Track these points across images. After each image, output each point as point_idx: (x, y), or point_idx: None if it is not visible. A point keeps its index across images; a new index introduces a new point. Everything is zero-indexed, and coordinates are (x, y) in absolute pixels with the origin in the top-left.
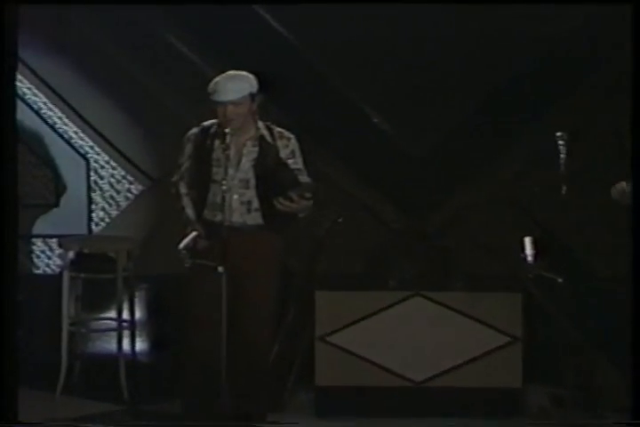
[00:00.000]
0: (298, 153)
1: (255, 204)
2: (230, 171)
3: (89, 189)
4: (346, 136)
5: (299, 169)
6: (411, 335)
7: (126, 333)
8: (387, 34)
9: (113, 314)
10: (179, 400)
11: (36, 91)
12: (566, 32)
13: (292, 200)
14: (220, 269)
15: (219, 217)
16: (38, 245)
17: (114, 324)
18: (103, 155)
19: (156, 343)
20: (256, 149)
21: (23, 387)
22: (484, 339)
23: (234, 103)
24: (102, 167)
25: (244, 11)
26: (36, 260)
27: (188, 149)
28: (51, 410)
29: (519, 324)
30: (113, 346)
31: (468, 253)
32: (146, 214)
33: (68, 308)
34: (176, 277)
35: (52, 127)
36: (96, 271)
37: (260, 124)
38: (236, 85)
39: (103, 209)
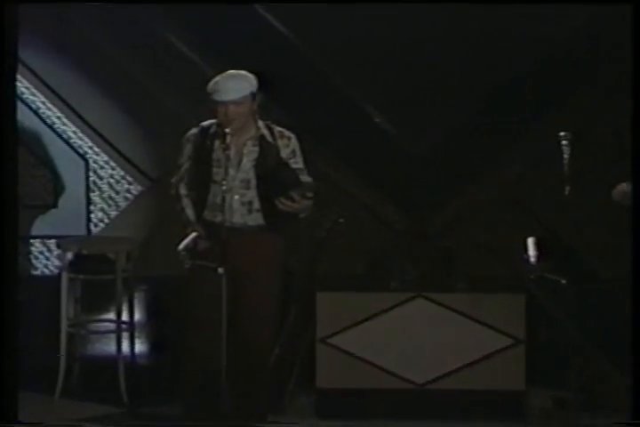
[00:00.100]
0: (298, 152)
1: (256, 204)
2: (231, 171)
3: (88, 189)
4: (347, 136)
5: (300, 168)
6: (412, 337)
7: (125, 334)
8: (388, 33)
9: (112, 316)
10: (178, 403)
11: (34, 90)
12: (567, 32)
13: (293, 200)
14: (220, 270)
15: (219, 218)
16: (37, 246)
17: (113, 325)
18: (102, 155)
19: (155, 345)
20: (256, 148)
21: (21, 389)
22: (487, 341)
23: (235, 103)
24: (101, 167)
25: (244, 10)
26: (34, 261)
27: (188, 149)
28: (49, 413)
29: (522, 325)
30: (112, 348)
31: (470, 253)
32: (145, 215)
33: (66, 309)
34: (176, 278)
35: (51, 127)
36: (95, 272)
37: (261, 123)
38: (237, 85)
39: (102, 210)
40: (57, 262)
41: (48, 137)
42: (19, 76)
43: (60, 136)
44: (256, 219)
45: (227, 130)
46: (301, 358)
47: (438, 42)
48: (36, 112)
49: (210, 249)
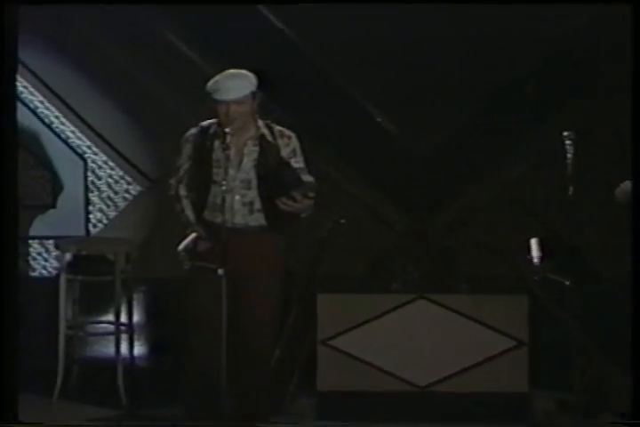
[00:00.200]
0: (299, 152)
1: (257, 204)
2: (231, 171)
3: (86, 189)
4: (348, 136)
5: (301, 168)
6: (414, 339)
7: (124, 336)
8: (389, 33)
9: (111, 317)
10: (178, 405)
11: (32, 89)
12: (569, 32)
13: (295, 200)
14: (220, 271)
15: (219, 218)
16: (35, 246)
17: (112, 327)
18: (101, 155)
19: (154, 347)
20: (257, 148)
21: (20, 391)
22: (490, 343)
23: (236, 102)
24: (100, 167)
25: (244, 9)
26: (32, 262)
27: (187, 149)
28: (47, 415)
29: (525, 327)
30: (111, 350)
31: (472, 254)
32: (144, 215)
33: (65, 311)
34: (175, 279)
35: (49, 127)
36: (94, 274)
37: (260, 122)
38: (238, 84)
39: (101, 210)
40: (55, 263)
41: (46, 137)
42: (17, 76)
43: (58, 136)
44: (257, 219)
45: (227, 129)
46: (302, 359)
47: (439, 42)
48: (34, 111)
49: (210, 250)
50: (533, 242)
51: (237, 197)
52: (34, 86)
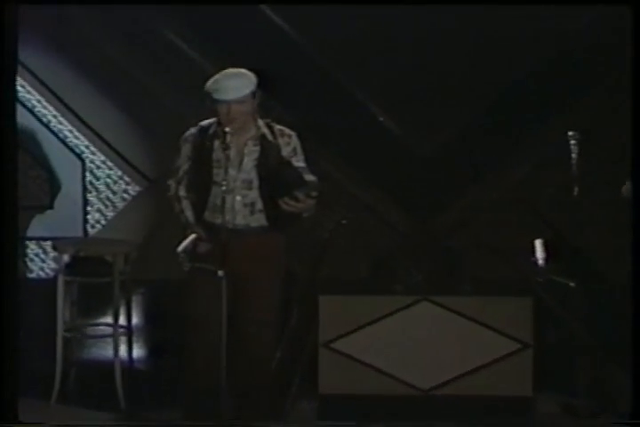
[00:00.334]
0: (299, 151)
1: (259, 205)
2: (232, 172)
3: (84, 190)
4: (350, 135)
5: (302, 167)
6: (417, 341)
7: (123, 339)
8: (393, 32)
9: (109, 319)
10: (178, 408)
11: (29, 88)
12: (574, 32)
13: (297, 200)
14: (220, 272)
15: (220, 219)
16: (32, 247)
17: (110, 330)
18: (99, 155)
19: (153, 350)
20: (257, 148)
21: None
22: (494, 345)
23: (237, 102)
24: (98, 168)
25: (244, 7)
26: (29, 263)
27: (186, 150)
28: (45, 419)
29: (530, 330)
30: (109, 353)
31: (476, 256)
32: (143, 216)
33: (62, 313)
34: (175, 281)
35: (47, 126)
36: (92, 275)
37: (260, 122)
38: (238, 83)
39: (99, 211)
40: (53, 265)
41: (44, 136)
42: None
43: (55, 135)
44: (259, 220)
45: (227, 129)
46: (303, 362)
47: (442, 42)
48: (31, 111)
49: (210, 251)
50: (538, 243)
51: (238, 198)
52: (31, 85)
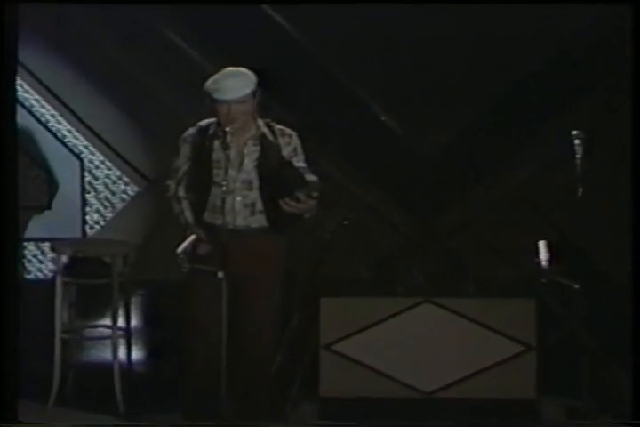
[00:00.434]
0: (300, 150)
1: (259, 206)
2: (232, 172)
3: (83, 190)
4: (352, 135)
5: (303, 167)
6: (420, 344)
7: (122, 341)
8: (395, 32)
9: (108, 321)
10: (176, 411)
11: (27, 87)
12: (577, 32)
13: (299, 200)
14: (220, 274)
15: (220, 220)
16: (30, 248)
17: (109, 332)
18: (98, 154)
19: (152, 352)
20: (257, 148)
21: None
22: (497, 348)
23: (238, 101)
24: (97, 168)
25: (245, 6)
26: (27, 264)
27: (186, 150)
28: (43, 421)
29: (533, 332)
30: (108, 355)
31: (479, 257)
32: (142, 217)
33: (61, 315)
34: (174, 282)
35: (45, 126)
36: (90, 276)
37: (260, 122)
38: (239, 83)
39: (98, 211)
40: (51, 266)
41: (42, 136)
42: None
43: (54, 135)
44: (259, 221)
45: (227, 129)
46: (304, 365)
47: (445, 41)
48: (29, 110)
49: (210, 252)
50: (541, 244)
51: (238, 199)
52: (29, 84)
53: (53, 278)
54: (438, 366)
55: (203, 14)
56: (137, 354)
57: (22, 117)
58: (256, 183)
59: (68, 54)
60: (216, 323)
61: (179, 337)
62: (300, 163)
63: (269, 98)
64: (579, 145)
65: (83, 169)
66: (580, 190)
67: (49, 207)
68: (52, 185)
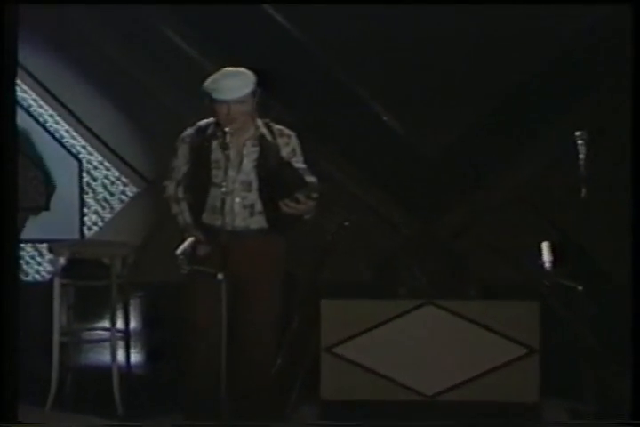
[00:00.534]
0: (299, 151)
1: (258, 207)
2: (231, 173)
3: (81, 191)
4: (353, 135)
5: (302, 168)
6: (422, 346)
7: (120, 343)
8: (397, 31)
9: (107, 324)
10: (175, 413)
11: (25, 87)
12: (580, 32)
13: (298, 202)
14: (220, 275)
15: (219, 221)
16: (28, 250)
17: (107, 334)
18: (96, 155)
19: (151, 355)
20: (256, 148)
21: None
22: (500, 350)
23: (238, 101)
24: (95, 168)
25: (245, 6)
26: (25, 266)
27: (184, 150)
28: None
29: (536, 334)
30: (107, 357)
31: (482, 259)
32: (141, 218)
33: (59, 317)
34: (173, 284)
35: (43, 126)
36: (89, 278)
37: (259, 122)
38: (239, 83)
39: (96, 212)
40: (49, 268)
41: (40, 136)
42: None
43: (52, 135)
44: (258, 222)
45: (227, 129)
46: (305, 368)
47: (446, 41)
48: (27, 110)
49: (209, 254)
50: (544, 246)
51: (237, 200)
52: (27, 84)
53: (51, 280)
54: (440, 369)
55: (202, 14)
56: (136, 357)
57: (20, 117)
58: (255, 184)
59: (67, 54)
60: (216, 324)
61: (178, 339)
62: (299, 163)
63: (270, 98)
64: (581, 145)
65: (81, 170)
66: (583, 191)
67: (47, 208)
68: (49, 186)
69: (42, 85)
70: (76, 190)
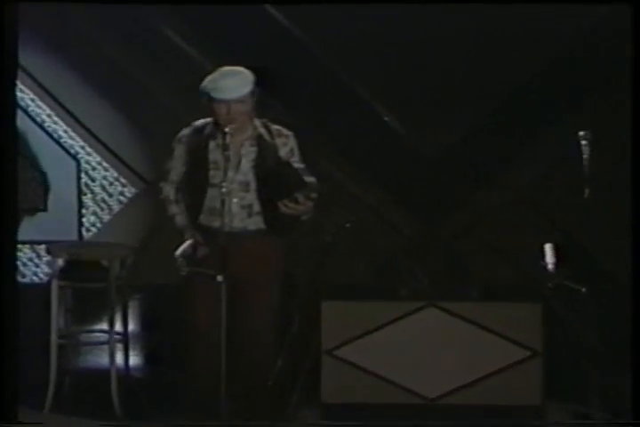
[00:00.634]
0: (296, 151)
1: (256, 207)
2: (229, 173)
3: (79, 191)
4: (355, 135)
5: (301, 168)
6: (423, 349)
7: (119, 346)
8: (398, 31)
9: (105, 326)
10: (174, 416)
11: (22, 87)
12: (584, 32)
13: (297, 202)
14: (220, 277)
15: (217, 222)
16: (25, 251)
17: (106, 336)
18: (95, 155)
19: (150, 357)
20: (254, 148)
21: None
22: (502, 353)
23: (238, 101)
24: (94, 169)
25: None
26: (22, 268)
27: (180, 151)
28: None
29: (539, 336)
30: (105, 360)
31: (484, 260)
32: (140, 219)
33: (56, 319)
34: (172, 286)
35: (41, 126)
36: (87, 280)
37: (257, 122)
38: (239, 82)
39: (95, 213)
40: (47, 269)
41: (37, 136)
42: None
43: (50, 135)
44: (256, 223)
45: (227, 129)
46: (306, 371)
47: (448, 41)
48: (24, 110)
49: (208, 255)
50: (547, 247)
51: (235, 200)
52: (25, 84)
53: (49, 282)
54: (442, 372)
55: (202, 14)
56: (134, 359)
57: (18, 117)
58: (253, 185)
59: (66, 54)
60: (215, 326)
61: (177, 342)
62: (297, 163)
63: (271, 97)
64: (583, 145)
65: (79, 170)
66: (586, 191)
67: (45, 209)
68: (47, 187)
69: (39, 85)
70: (75, 191)
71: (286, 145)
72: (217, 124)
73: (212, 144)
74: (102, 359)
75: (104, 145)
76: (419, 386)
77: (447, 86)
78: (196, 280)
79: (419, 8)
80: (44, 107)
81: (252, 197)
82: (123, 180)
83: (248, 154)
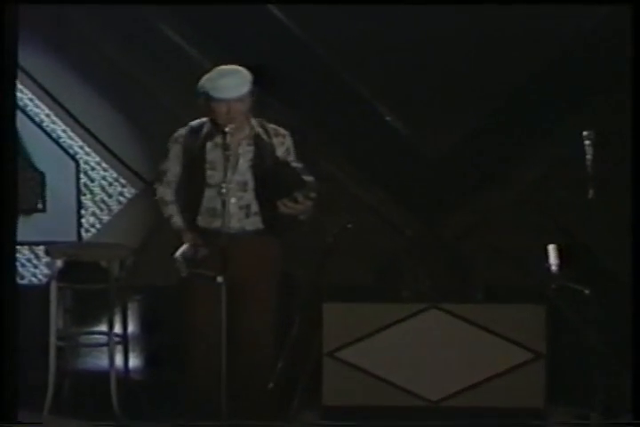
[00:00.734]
0: (292, 151)
1: (254, 207)
2: (228, 173)
3: (78, 192)
4: (356, 135)
5: (300, 167)
6: (426, 351)
7: (118, 348)
8: (400, 31)
9: (104, 327)
10: (174, 418)
11: (21, 86)
12: (584, 32)
13: (296, 201)
14: (220, 278)
15: (215, 223)
16: (24, 252)
17: (105, 338)
18: (94, 155)
19: (150, 359)
20: (252, 148)
21: None
22: (505, 355)
23: (237, 100)
24: (93, 169)
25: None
26: (21, 269)
27: (176, 151)
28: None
29: (543, 338)
30: (104, 362)
31: (487, 261)
32: (140, 220)
33: (56, 321)
34: (172, 287)
35: (39, 126)
36: (86, 281)
37: (254, 121)
38: (238, 81)
39: (94, 214)
40: (46, 271)
41: (36, 136)
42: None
43: (48, 135)
44: (255, 223)
45: (226, 129)
46: (307, 372)
47: (448, 41)
48: (23, 110)
49: (207, 257)
50: (551, 248)
51: (233, 200)
52: (23, 83)
53: (48, 283)
54: (444, 374)
55: (202, 14)
56: (134, 361)
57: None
58: (251, 184)
59: (65, 54)
60: (215, 327)
61: (177, 343)
62: (294, 163)
63: (271, 97)
64: (585, 146)
65: (78, 171)
66: (589, 191)
67: (43, 210)
68: (46, 187)
69: (38, 85)
70: (74, 192)
71: (283, 144)
72: (215, 124)
73: (209, 144)
74: (102, 361)
75: (103, 145)
76: (421, 388)
77: (448, 86)
78: (196, 281)
79: (419, 8)
80: (43, 107)
81: (249, 197)
82: (122, 180)
83: (245, 153)
